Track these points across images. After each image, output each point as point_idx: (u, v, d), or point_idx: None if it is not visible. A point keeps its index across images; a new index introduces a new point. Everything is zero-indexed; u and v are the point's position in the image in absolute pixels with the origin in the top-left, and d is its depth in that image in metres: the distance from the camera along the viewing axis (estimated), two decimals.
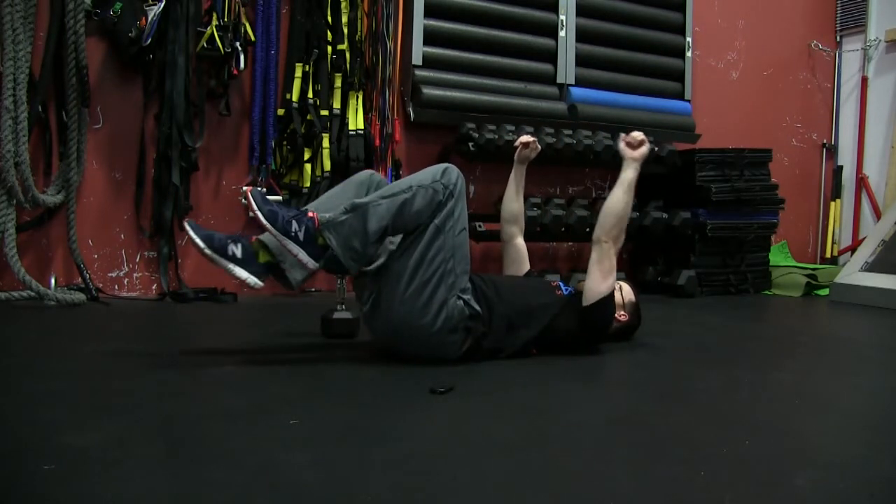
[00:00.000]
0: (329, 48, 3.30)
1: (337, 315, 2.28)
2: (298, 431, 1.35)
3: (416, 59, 3.46)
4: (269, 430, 1.35)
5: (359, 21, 3.36)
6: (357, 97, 3.35)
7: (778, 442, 1.38)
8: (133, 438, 1.27)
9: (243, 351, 2.11)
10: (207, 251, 1.76)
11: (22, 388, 1.59)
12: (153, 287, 3.15)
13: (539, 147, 2.44)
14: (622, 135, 2.17)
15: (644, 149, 2.12)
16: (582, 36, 3.89)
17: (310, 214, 1.79)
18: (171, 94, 2.96)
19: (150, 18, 2.83)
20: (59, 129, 2.89)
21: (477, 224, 3.42)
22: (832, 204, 4.90)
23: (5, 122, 2.62)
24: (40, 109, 2.80)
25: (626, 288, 2.25)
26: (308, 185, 3.24)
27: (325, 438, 1.32)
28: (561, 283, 2.19)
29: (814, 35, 4.92)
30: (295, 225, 1.76)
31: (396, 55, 3.44)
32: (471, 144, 3.40)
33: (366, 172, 2.10)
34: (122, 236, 3.10)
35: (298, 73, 3.25)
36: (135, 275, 3.13)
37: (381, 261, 1.87)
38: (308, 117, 3.24)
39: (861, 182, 4.85)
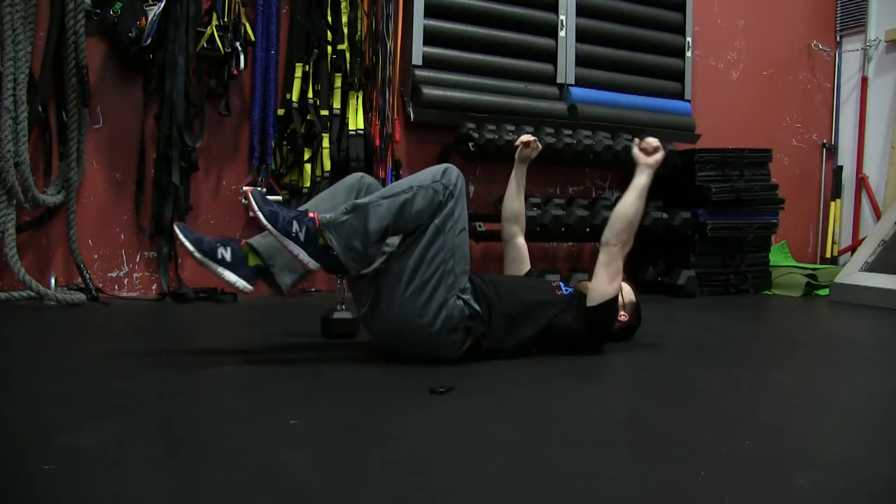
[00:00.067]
0: (329, 48, 3.30)
1: (337, 315, 2.28)
2: (298, 431, 1.35)
3: (416, 59, 3.46)
4: (269, 430, 1.35)
5: (359, 21, 3.36)
6: (357, 97, 3.35)
7: (778, 442, 1.38)
8: (133, 438, 1.27)
9: (243, 351, 2.11)
10: (197, 254, 1.77)
11: (22, 388, 1.59)
12: (153, 287, 3.15)
13: (540, 146, 2.44)
14: (636, 140, 2.16)
15: (659, 155, 2.12)
16: (582, 36, 3.89)
17: (310, 215, 1.79)
18: (171, 94, 2.96)
19: (150, 18, 2.83)
20: (59, 129, 2.89)
21: (477, 224, 3.42)
22: (832, 204, 4.90)
23: (5, 122, 2.62)
24: (40, 109, 2.80)
25: (627, 288, 2.25)
26: (308, 185, 3.23)
27: (325, 438, 1.32)
28: (561, 284, 2.19)
29: (814, 35, 4.92)
30: (296, 225, 1.76)
31: (396, 55, 3.44)
32: (471, 144, 3.40)
33: (355, 175, 2.10)
34: (122, 236, 3.10)
35: (298, 73, 3.25)
36: (135, 275, 3.13)
37: (379, 262, 1.87)
38: (308, 117, 3.24)
39: (861, 182, 4.85)
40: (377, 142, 3.40)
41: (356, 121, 3.33)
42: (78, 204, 2.96)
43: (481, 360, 1.95)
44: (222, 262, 1.79)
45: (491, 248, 3.67)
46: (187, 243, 1.77)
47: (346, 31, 3.32)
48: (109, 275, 3.09)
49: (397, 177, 3.41)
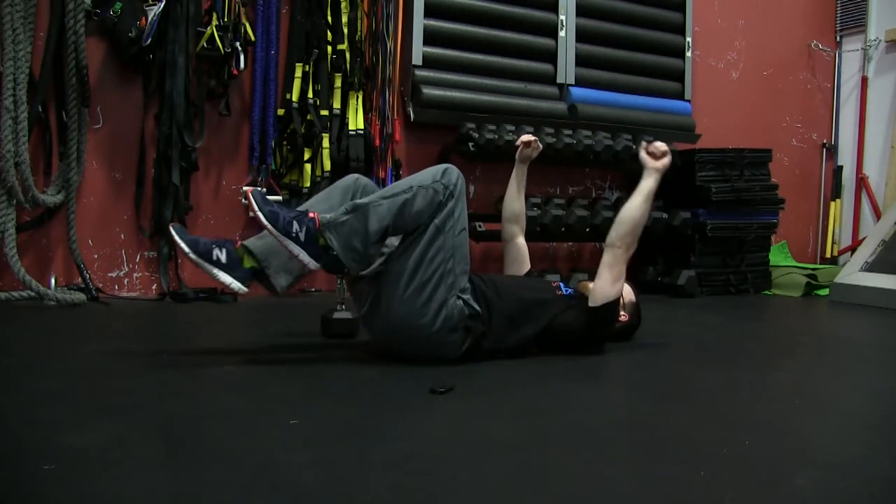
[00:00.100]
0: (329, 48, 3.30)
1: (337, 315, 2.28)
2: (298, 431, 1.35)
3: (416, 59, 3.46)
4: (269, 430, 1.35)
5: (359, 21, 3.36)
6: (357, 97, 3.35)
7: (778, 442, 1.38)
8: (133, 438, 1.27)
9: (243, 351, 2.11)
10: (192, 255, 1.78)
11: (22, 388, 1.59)
12: (153, 287, 3.15)
13: (541, 146, 2.44)
14: (644, 143, 2.16)
15: (666, 160, 2.11)
16: (582, 36, 3.89)
17: (311, 215, 1.80)
18: (171, 94, 2.96)
19: (150, 18, 2.83)
20: (59, 129, 2.89)
21: (477, 224, 3.42)
22: (832, 204, 4.90)
23: (5, 122, 2.62)
24: (40, 109, 2.80)
25: (627, 288, 2.25)
26: (308, 185, 3.23)
27: (325, 438, 1.32)
28: (561, 284, 2.19)
29: (814, 35, 4.92)
30: (296, 226, 1.76)
31: (396, 55, 3.44)
32: (471, 144, 3.40)
33: (351, 177, 2.10)
34: (122, 236, 3.10)
35: (298, 73, 3.25)
36: (135, 275, 3.13)
37: (378, 262, 1.87)
38: (308, 117, 3.24)
39: (861, 182, 4.85)
40: (377, 142, 3.40)
41: (356, 121, 3.33)
42: (78, 204, 2.96)
43: (481, 360, 1.95)
44: (217, 264, 1.79)
45: (491, 248, 3.67)
46: (182, 244, 1.78)
47: (346, 31, 3.32)
48: (109, 275, 3.09)
49: (397, 177, 3.41)
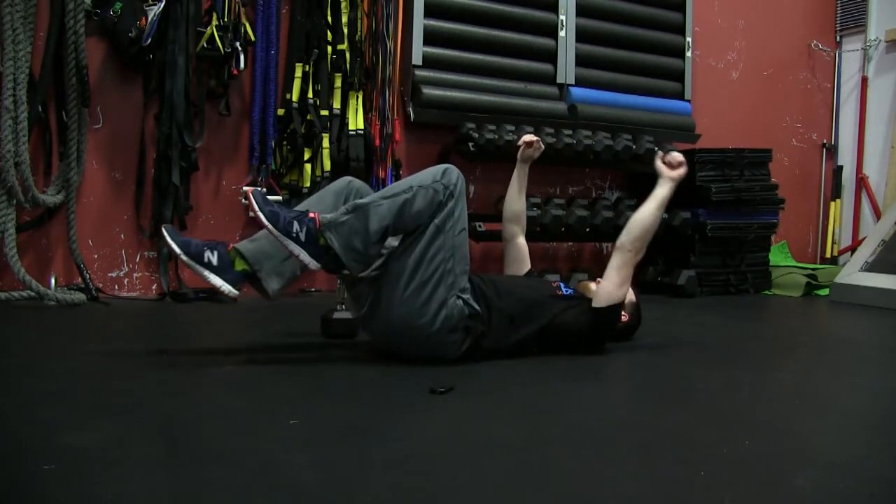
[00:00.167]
0: (329, 48, 3.30)
1: (337, 315, 2.28)
2: (298, 431, 1.35)
3: (416, 59, 3.46)
4: (269, 430, 1.35)
5: (359, 21, 3.36)
6: (357, 97, 3.35)
7: (778, 442, 1.38)
8: (133, 438, 1.27)
9: (243, 351, 2.11)
10: (184, 257, 1.79)
11: (22, 388, 1.59)
12: (153, 287, 3.15)
13: (542, 146, 2.44)
14: (660, 153, 2.18)
15: (682, 170, 2.13)
16: (582, 36, 3.89)
17: (311, 215, 1.80)
18: (171, 94, 2.96)
19: (150, 18, 2.83)
20: (59, 129, 2.89)
21: (477, 224, 3.42)
22: (832, 204, 4.90)
23: (5, 122, 2.62)
24: (40, 109, 2.80)
25: None
26: (308, 185, 3.23)
27: (325, 438, 1.32)
28: (561, 284, 2.19)
29: (814, 35, 4.92)
30: (296, 226, 1.76)
31: (396, 55, 3.44)
32: (471, 144, 3.40)
33: (344, 179, 2.10)
34: (122, 236, 3.10)
35: (298, 73, 3.25)
36: (135, 275, 3.13)
37: (378, 263, 1.87)
38: (308, 117, 3.24)
39: (861, 182, 4.85)
40: (377, 142, 3.40)
41: (356, 121, 3.33)
42: (78, 204, 2.96)
43: (481, 360, 1.95)
44: (209, 266, 1.80)
45: (491, 248, 3.67)
46: (174, 246, 1.78)
47: (346, 31, 3.32)
48: (109, 275, 3.08)
49: (397, 177, 3.41)
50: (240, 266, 1.85)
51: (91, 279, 2.93)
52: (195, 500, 1.04)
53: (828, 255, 4.87)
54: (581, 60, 3.89)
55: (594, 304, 2.05)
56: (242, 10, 3.07)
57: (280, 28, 3.25)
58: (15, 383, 1.63)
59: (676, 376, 1.98)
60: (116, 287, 3.09)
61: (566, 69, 3.84)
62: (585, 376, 1.91)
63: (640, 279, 3.85)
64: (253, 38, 3.12)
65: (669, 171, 2.13)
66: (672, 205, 3.75)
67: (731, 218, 3.86)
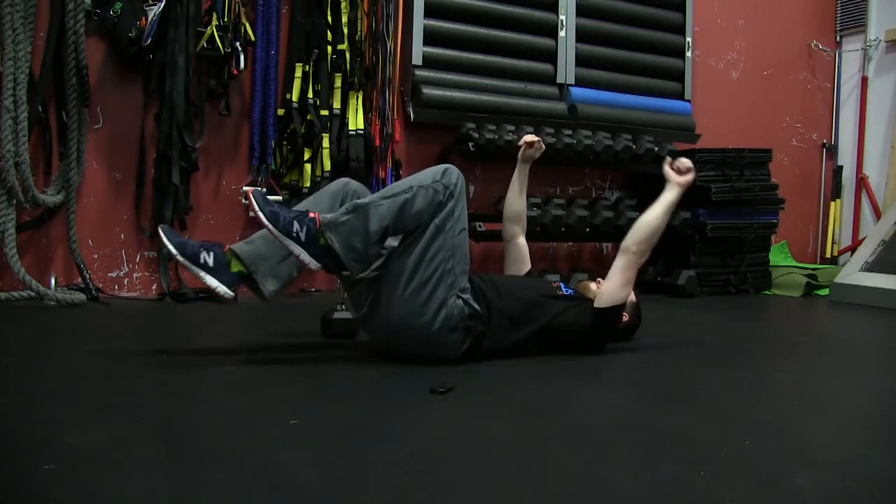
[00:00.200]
0: (329, 48, 3.30)
1: (337, 315, 2.28)
2: (298, 431, 1.35)
3: (416, 59, 3.46)
4: (269, 430, 1.35)
5: (359, 21, 3.36)
6: (357, 97, 3.35)
7: (778, 442, 1.38)
8: (133, 438, 1.27)
9: (243, 351, 2.11)
10: (180, 258, 1.79)
11: (22, 388, 1.59)
12: (153, 287, 3.15)
13: (543, 147, 2.43)
14: (668, 158, 2.20)
15: (690, 176, 2.16)
16: (582, 36, 3.89)
17: (311, 215, 1.80)
18: (171, 94, 2.96)
19: (150, 18, 2.83)
20: (59, 129, 2.89)
21: (477, 224, 3.42)
22: (832, 204, 4.90)
23: (5, 122, 2.62)
24: (40, 109, 2.80)
25: None
26: (308, 185, 3.23)
27: (325, 438, 1.32)
28: (562, 284, 2.19)
29: (814, 35, 4.92)
30: (296, 226, 1.76)
31: (396, 55, 3.44)
32: (471, 144, 3.40)
33: (341, 181, 2.10)
34: (122, 236, 3.10)
35: (298, 73, 3.25)
36: (135, 275, 3.13)
37: (378, 264, 1.87)
38: (308, 117, 3.24)
39: (861, 182, 4.85)
40: (377, 142, 3.40)
41: (356, 121, 3.33)
42: (78, 204, 2.96)
43: (481, 360, 1.95)
44: (204, 267, 1.80)
45: (491, 248, 3.67)
46: (170, 246, 1.79)
47: (346, 31, 3.32)
48: (109, 275, 3.08)
49: (397, 177, 3.41)
50: (236, 267, 1.85)
51: (91, 279, 2.93)
52: (195, 500, 1.04)
53: (828, 255, 4.87)
54: (581, 60, 3.89)
55: (596, 304, 2.05)
56: (242, 10, 3.07)
57: (280, 28, 3.25)
58: (15, 383, 1.63)
59: (676, 376, 1.98)
60: (116, 287, 3.09)
61: (566, 69, 3.84)
62: (585, 376, 1.91)
63: (640, 279, 3.81)
64: (253, 38, 3.12)
65: (678, 176, 2.14)
66: None
67: (731, 218, 3.86)
